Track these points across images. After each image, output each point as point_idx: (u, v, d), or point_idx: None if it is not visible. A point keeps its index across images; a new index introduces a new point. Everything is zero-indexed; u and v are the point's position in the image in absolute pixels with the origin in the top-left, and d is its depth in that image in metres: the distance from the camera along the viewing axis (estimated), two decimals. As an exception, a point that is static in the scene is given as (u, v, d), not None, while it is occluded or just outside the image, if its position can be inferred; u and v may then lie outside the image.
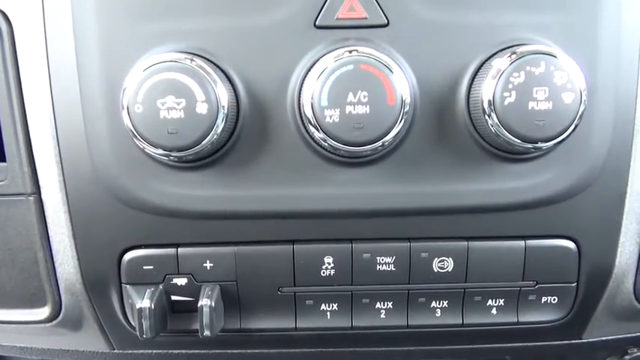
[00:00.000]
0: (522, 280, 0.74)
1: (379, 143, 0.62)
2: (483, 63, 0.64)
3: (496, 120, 0.62)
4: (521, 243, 0.72)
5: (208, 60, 0.63)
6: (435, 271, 0.72)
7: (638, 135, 0.70)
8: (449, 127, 0.66)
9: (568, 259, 0.73)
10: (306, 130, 0.64)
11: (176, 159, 0.64)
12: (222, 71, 0.64)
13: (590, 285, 0.75)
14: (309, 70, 0.63)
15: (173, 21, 0.65)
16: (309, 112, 0.62)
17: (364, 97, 0.61)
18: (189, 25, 0.65)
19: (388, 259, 0.72)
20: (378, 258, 0.72)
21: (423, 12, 0.65)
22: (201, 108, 0.61)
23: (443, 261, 0.72)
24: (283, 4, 0.64)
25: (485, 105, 0.62)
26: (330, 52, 0.62)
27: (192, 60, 0.61)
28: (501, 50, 0.64)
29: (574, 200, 0.70)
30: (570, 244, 0.72)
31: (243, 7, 0.65)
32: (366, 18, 0.65)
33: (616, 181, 0.70)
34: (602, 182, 0.70)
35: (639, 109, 0.69)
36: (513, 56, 0.61)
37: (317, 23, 0.64)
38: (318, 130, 0.62)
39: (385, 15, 0.65)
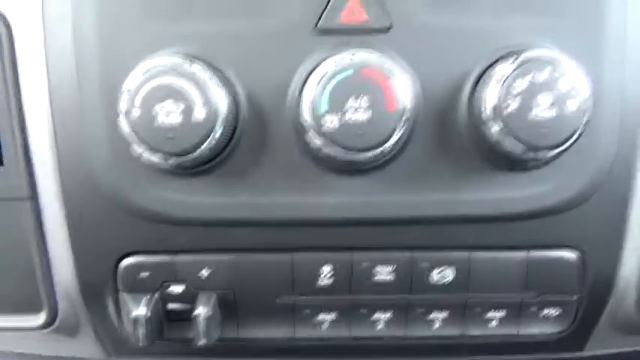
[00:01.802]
0: (524, 292, 0.72)
1: (379, 150, 0.61)
2: (487, 68, 0.63)
3: (499, 127, 0.60)
4: (524, 254, 0.71)
5: (208, 64, 0.62)
6: (436, 281, 0.71)
7: None
8: (451, 134, 0.65)
9: (571, 270, 0.72)
10: (306, 137, 0.63)
11: (174, 165, 0.63)
12: (222, 75, 0.63)
13: (593, 297, 0.74)
14: (309, 75, 0.62)
15: (172, 25, 0.64)
16: (308, 118, 0.61)
17: (365, 102, 0.59)
18: (188, 29, 0.64)
19: (388, 269, 0.71)
20: (377, 267, 0.71)
21: (426, 16, 0.64)
22: (200, 113, 0.60)
23: (443, 271, 0.71)
24: (284, 8, 0.64)
25: (489, 112, 0.61)
26: (330, 56, 0.61)
27: (191, 64, 0.61)
28: (505, 55, 0.63)
29: (577, 210, 0.68)
30: (573, 255, 0.71)
31: (242, 10, 0.64)
32: (367, 22, 0.64)
33: (619, 191, 0.69)
34: (606, 191, 0.68)
35: None
36: (517, 62, 0.60)
37: (318, 27, 0.64)
38: (317, 136, 0.61)
39: (388, 19, 0.64)
